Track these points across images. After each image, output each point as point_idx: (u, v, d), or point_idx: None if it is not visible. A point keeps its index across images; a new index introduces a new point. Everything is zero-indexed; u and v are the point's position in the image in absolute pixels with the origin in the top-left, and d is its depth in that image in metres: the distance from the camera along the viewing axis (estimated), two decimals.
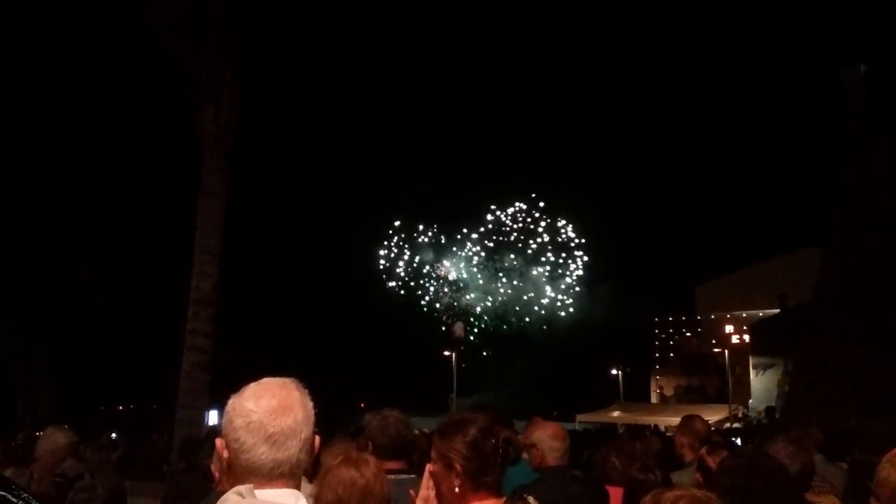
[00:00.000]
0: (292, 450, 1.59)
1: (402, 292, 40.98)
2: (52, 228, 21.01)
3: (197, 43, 12.23)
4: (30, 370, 25.44)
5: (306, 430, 1.63)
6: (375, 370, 44.05)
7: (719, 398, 30.74)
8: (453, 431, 2.37)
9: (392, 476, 2.86)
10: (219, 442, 1.64)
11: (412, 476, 2.94)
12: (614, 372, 39.53)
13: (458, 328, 30.05)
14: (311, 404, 1.67)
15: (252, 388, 1.64)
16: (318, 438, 1.68)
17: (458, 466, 2.30)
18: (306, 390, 1.68)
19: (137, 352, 35.69)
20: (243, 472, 1.58)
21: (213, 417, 13.07)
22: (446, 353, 30.71)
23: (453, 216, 42.33)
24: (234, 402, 1.63)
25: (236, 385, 1.68)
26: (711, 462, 3.67)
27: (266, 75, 13.65)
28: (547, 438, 3.93)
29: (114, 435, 15.28)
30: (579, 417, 27.21)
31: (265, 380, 1.67)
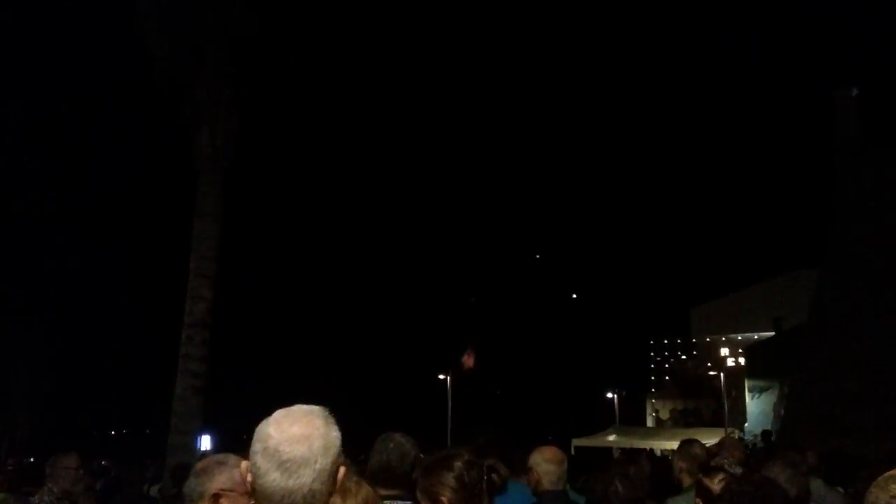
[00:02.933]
0: (304, 479, 1.56)
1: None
2: (42, 249, 20.98)
3: (194, 63, 12.25)
4: (9, 397, 25.17)
5: (322, 461, 1.59)
6: (371, 395, 43.88)
7: (715, 421, 30.62)
8: (439, 468, 2.48)
9: (387, 502, 2.83)
10: (244, 465, 1.65)
11: (408, 503, 2.90)
12: (610, 395, 39.40)
13: (469, 358, 29.87)
14: (334, 434, 1.64)
15: (278, 414, 1.64)
16: (343, 470, 1.65)
17: (444, 500, 2.40)
18: (333, 420, 1.67)
19: (130, 376, 35.49)
20: (260, 498, 1.58)
21: (205, 442, 12.91)
22: (441, 376, 30.59)
23: None
24: (260, 426, 1.63)
25: (230, 410, 1.66)
26: (710, 483, 3.63)
27: (264, 95, 13.66)
28: (542, 461, 3.90)
29: (104, 462, 15.07)
30: (575, 441, 27.02)
31: (294, 406, 1.66)
